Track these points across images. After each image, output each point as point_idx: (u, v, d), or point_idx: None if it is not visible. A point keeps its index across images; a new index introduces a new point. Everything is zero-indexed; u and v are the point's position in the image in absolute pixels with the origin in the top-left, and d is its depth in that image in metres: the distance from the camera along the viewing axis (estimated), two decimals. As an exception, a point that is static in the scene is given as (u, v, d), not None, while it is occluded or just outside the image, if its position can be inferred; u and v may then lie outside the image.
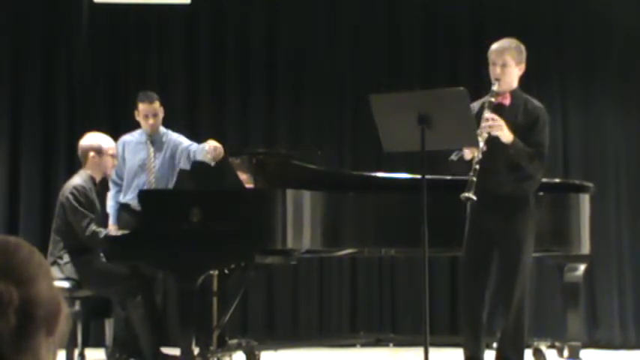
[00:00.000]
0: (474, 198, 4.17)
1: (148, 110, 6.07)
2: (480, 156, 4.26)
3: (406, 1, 7.70)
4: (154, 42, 7.68)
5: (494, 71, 4.52)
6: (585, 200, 5.27)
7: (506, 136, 4.38)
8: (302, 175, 5.17)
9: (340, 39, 7.65)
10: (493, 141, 4.34)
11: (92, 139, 5.47)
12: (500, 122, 4.36)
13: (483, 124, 4.32)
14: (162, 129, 6.19)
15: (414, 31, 7.65)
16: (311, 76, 7.62)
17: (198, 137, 7.42)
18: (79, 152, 5.46)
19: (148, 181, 6.03)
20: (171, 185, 5.88)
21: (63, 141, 7.39)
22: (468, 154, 4.37)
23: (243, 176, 5.34)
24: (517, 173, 4.48)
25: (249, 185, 5.27)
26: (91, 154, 5.38)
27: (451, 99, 4.29)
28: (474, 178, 4.20)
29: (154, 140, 6.12)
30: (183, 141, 6.14)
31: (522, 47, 4.61)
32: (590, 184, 5.49)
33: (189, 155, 6.00)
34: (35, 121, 7.48)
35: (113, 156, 5.50)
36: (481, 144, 4.27)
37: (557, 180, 5.97)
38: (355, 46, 7.63)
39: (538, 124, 4.53)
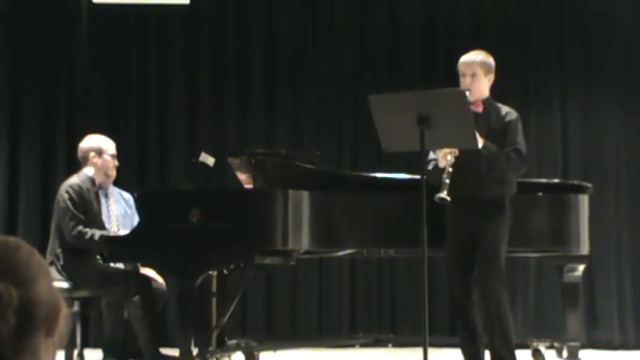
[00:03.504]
0: (448, 198, 4.24)
1: (115, 155, 5.52)
2: (453, 160, 4.34)
3: (406, 1, 7.70)
4: (153, 42, 7.68)
5: (465, 82, 4.65)
6: (584, 201, 5.27)
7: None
8: (302, 175, 5.16)
9: (340, 39, 7.65)
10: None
11: (92, 140, 5.50)
12: None
13: None
14: None
15: (414, 31, 7.65)
16: (311, 76, 7.61)
17: (199, 137, 7.45)
18: (79, 154, 5.46)
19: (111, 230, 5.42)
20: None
21: (63, 141, 7.39)
22: (441, 162, 4.43)
23: (242, 176, 5.34)
24: (493, 176, 4.56)
25: (248, 185, 5.26)
26: (92, 154, 5.41)
27: (450, 99, 4.31)
28: (447, 180, 4.28)
29: (110, 193, 5.60)
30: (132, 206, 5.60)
31: (490, 59, 4.75)
32: (589, 185, 5.49)
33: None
34: (35, 121, 7.48)
35: (113, 156, 5.50)
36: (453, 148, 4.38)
37: (556, 180, 5.98)
38: (355, 46, 7.63)
39: (511, 127, 4.64)
